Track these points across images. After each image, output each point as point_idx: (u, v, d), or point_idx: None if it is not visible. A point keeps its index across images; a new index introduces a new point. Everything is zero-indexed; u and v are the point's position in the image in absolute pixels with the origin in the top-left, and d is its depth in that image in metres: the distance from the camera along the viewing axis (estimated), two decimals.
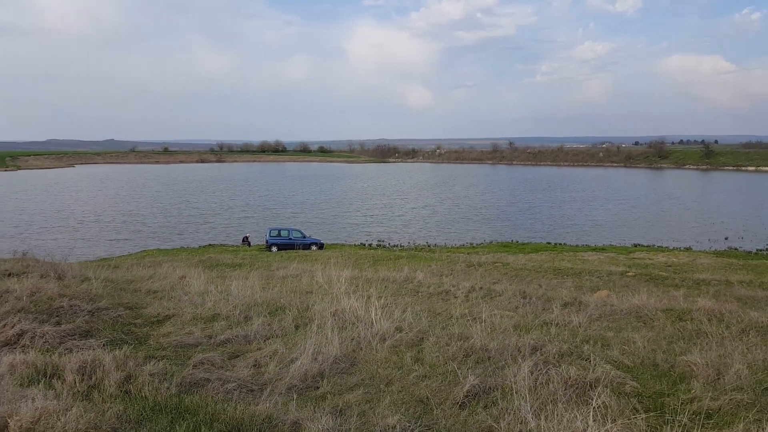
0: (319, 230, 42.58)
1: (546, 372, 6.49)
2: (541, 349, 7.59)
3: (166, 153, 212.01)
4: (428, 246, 35.22)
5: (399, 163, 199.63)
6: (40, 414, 4.88)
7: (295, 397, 6.01)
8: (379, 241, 38.43)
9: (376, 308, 9.83)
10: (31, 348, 7.88)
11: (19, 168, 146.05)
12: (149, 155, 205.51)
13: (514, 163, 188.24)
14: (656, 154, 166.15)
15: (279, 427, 5.02)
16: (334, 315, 10.18)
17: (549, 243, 37.57)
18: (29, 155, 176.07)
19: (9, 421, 4.84)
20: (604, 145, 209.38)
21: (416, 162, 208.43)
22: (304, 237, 34.63)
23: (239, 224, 48.72)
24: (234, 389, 6.27)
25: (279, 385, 6.64)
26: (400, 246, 35.42)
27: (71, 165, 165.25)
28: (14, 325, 8.73)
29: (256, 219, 51.79)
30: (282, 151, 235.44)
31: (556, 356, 7.37)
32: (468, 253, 29.57)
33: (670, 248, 34.87)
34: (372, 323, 9.37)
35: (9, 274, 15.46)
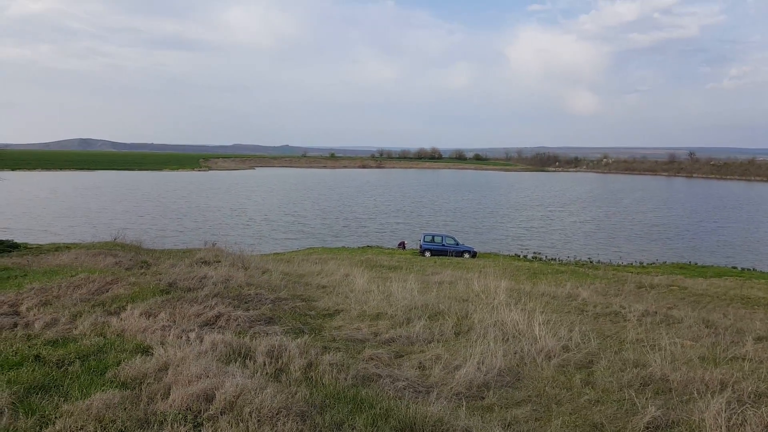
0: (471, 239, 42.22)
1: (741, 412, 5.70)
2: (733, 386, 6.70)
3: (332, 158, 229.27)
4: (591, 262, 32.89)
5: (559, 173, 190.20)
6: (240, 390, 5.49)
7: (464, 403, 5.99)
8: (535, 253, 36.93)
9: (539, 324, 9.46)
10: (227, 329, 8.95)
11: (209, 169, 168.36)
12: (317, 160, 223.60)
13: (695, 175, 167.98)
14: None
15: (450, 431, 5.03)
16: (494, 326, 10.02)
17: (735, 268, 32.80)
18: (218, 158, 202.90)
19: (216, 393, 5.53)
20: None
21: (579, 172, 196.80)
22: (458, 244, 34.64)
23: (392, 229, 50.34)
24: (404, 388, 6.45)
25: (445, 389, 6.69)
26: (559, 260, 33.61)
27: (252, 167, 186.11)
28: (213, 307, 10.02)
29: (410, 225, 53.08)
30: (438, 158, 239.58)
31: (752, 396, 6.48)
32: (637, 273, 27.01)
33: None
34: (536, 339, 9.03)
35: (204, 262, 17.86)
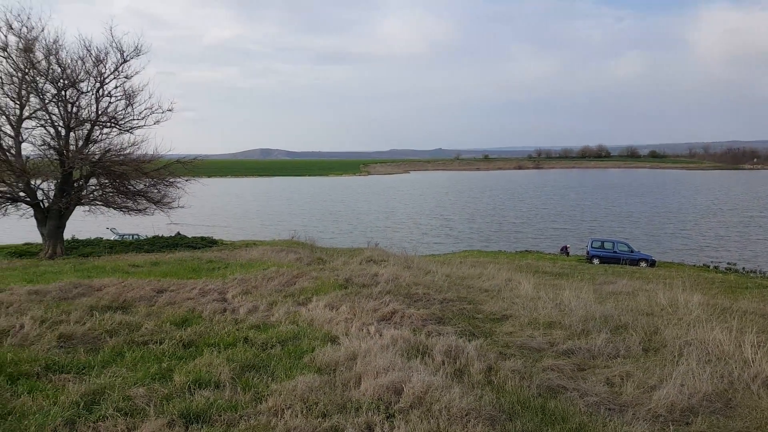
0: (647, 247, 38.31)
1: None
2: None
3: (485, 160, 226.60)
4: None
5: (758, 171, 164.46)
6: (427, 386, 5.59)
7: (671, 428, 5.40)
8: (729, 264, 32.29)
9: (753, 344, 8.19)
10: (401, 326, 9.23)
11: (369, 173, 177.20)
12: (471, 162, 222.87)
13: None
14: None
15: None
16: (691, 345, 8.93)
17: None
18: (376, 163, 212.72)
19: (403, 387, 5.70)
20: None
21: None
22: (632, 251, 31.71)
23: (549, 235, 47.79)
24: (595, 404, 6.02)
25: (641, 410, 6.11)
26: (762, 273, 28.93)
27: (406, 171, 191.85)
28: (388, 303, 10.43)
29: (570, 231, 49.96)
30: (605, 156, 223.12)
31: None
32: None
33: None
34: (747, 362, 7.84)
35: (372, 261, 18.75)
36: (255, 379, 6.13)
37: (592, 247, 32.31)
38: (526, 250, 38.83)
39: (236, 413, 5.13)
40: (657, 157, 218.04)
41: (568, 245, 37.12)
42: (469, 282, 16.66)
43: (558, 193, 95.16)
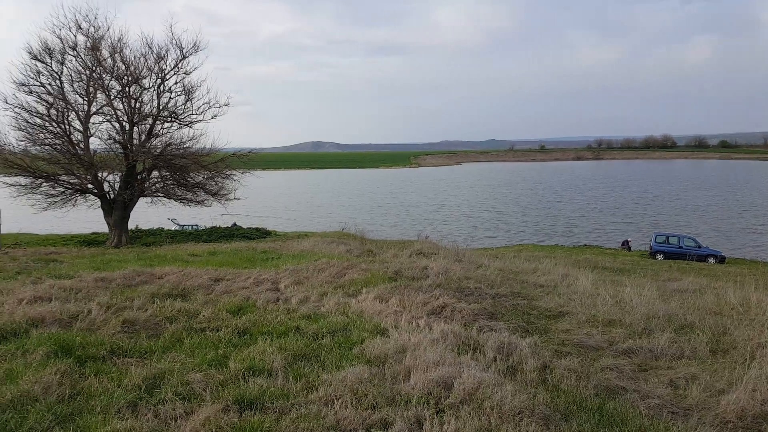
0: (716, 243, 36.28)
1: None
2: None
3: (542, 151, 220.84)
4: None
5: None
6: (478, 382, 5.46)
7: None
8: None
9: None
10: (452, 320, 9.09)
11: (419, 165, 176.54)
12: (526, 153, 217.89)
13: None
14: None
15: None
16: (763, 347, 8.34)
17: None
18: (427, 155, 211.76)
19: (453, 382, 5.59)
20: None
21: None
22: (699, 247, 30.08)
23: (609, 230, 46.02)
24: (657, 407, 5.72)
25: (707, 415, 5.76)
26: None
27: (458, 163, 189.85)
28: (438, 297, 10.31)
29: (632, 225, 47.94)
30: (671, 146, 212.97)
31: None
32: None
33: None
34: None
35: (422, 254, 18.62)
36: (306, 368, 6.18)
37: (656, 241, 30.88)
38: (585, 245, 37.64)
39: (288, 401, 5.19)
40: (728, 147, 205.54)
41: (629, 239, 35.67)
42: (523, 277, 16.26)
43: (619, 185, 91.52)
